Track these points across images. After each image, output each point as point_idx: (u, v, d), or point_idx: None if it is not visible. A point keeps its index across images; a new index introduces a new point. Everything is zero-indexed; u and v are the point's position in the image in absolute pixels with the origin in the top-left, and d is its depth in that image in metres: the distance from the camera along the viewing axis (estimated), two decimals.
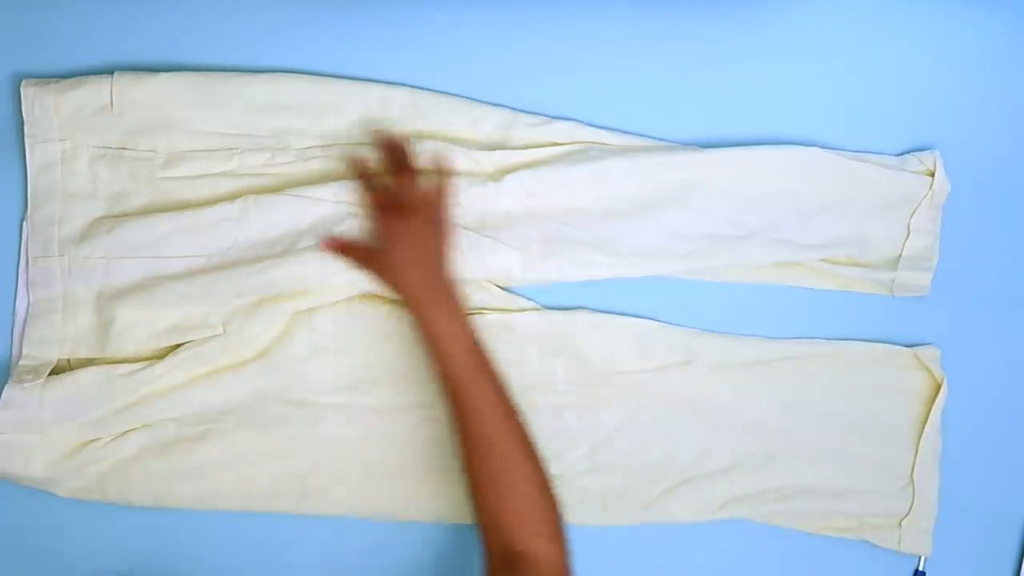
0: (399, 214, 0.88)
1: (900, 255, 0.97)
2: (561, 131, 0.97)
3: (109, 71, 0.96)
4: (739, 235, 0.96)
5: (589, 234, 0.95)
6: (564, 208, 0.96)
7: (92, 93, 0.96)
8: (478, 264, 0.94)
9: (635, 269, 0.96)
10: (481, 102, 0.98)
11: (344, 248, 0.90)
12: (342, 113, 0.97)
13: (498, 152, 0.96)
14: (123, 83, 0.96)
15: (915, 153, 0.99)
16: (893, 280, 0.97)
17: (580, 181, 0.95)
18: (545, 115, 0.98)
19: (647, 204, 0.96)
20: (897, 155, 0.99)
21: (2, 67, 0.98)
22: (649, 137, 0.99)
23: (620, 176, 0.96)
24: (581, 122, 0.98)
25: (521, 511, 0.79)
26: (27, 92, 0.96)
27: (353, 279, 0.92)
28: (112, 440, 0.92)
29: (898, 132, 1.00)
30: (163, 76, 0.96)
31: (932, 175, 0.97)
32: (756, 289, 0.99)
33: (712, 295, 0.98)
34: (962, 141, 1.00)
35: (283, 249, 0.94)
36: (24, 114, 0.95)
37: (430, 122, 0.97)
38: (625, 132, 0.98)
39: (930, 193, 0.97)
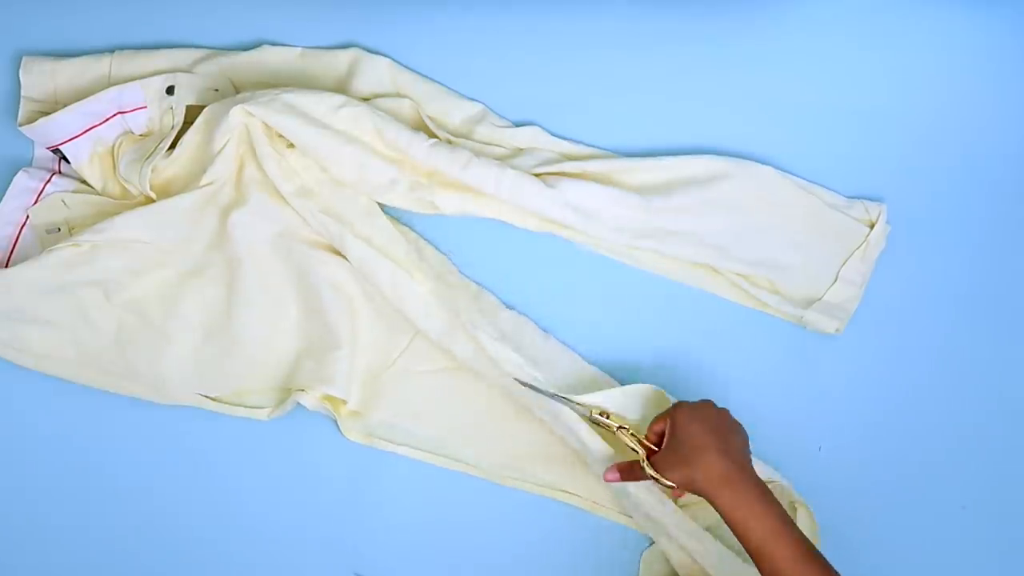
0: (683, 406, 0.85)
1: (820, 298, 0.98)
2: (523, 135, 1.02)
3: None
4: (673, 229, 0.99)
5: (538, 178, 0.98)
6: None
7: (91, 64, 1.00)
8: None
9: (566, 215, 0.96)
10: (457, 93, 1.03)
11: (627, 470, 0.87)
12: (328, 80, 1.02)
13: (462, 141, 1.00)
14: (122, 57, 1.00)
15: (864, 200, 1.01)
16: (802, 317, 0.98)
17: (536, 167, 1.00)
18: (514, 119, 1.04)
19: (595, 180, 0.99)
20: (847, 197, 1.02)
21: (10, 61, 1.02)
22: (606, 149, 1.03)
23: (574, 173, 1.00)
24: (544, 129, 1.03)
25: None
26: (27, 59, 1.00)
27: None
28: None
29: (858, 165, 1.03)
30: (162, 51, 1.01)
31: (872, 226, 0.99)
32: (677, 287, 1.01)
33: (636, 283, 1.01)
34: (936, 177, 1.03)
35: None
36: (22, 76, 0.98)
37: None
38: (585, 144, 1.03)
39: (865, 245, 0.99)
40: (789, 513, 0.93)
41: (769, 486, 0.93)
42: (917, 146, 1.03)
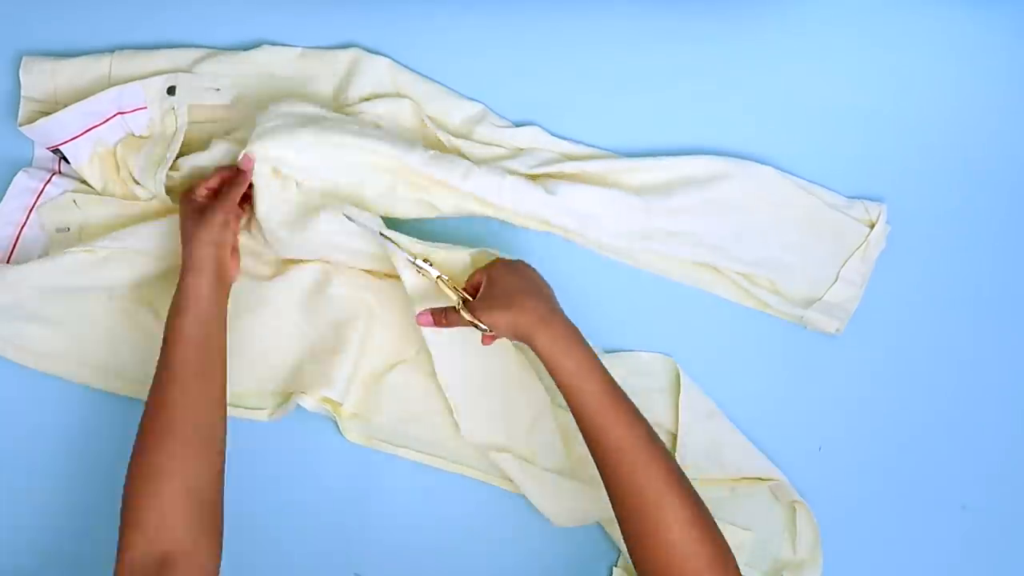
0: (501, 260, 0.89)
1: (821, 298, 0.99)
2: (523, 135, 1.02)
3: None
4: (673, 230, 0.99)
5: (539, 182, 0.98)
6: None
7: (91, 63, 1.00)
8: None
9: (567, 221, 0.97)
10: (457, 94, 1.03)
11: (440, 315, 0.88)
12: (327, 80, 1.02)
13: (461, 141, 1.01)
14: (122, 57, 1.00)
15: (864, 200, 1.01)
16: (802, 317, 0.99)
17: (536, 168, 1.00)
18: (514, 119, 1.04)
19: (595, 180, 0.99)
20: (847, 197, 1.02)
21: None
22: (606, 149, 1.03)
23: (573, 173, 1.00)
24: (544, 129, 1.03)
25: (677, 553, 0.74)
26: (27, 59, 1.00)
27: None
28: None
29: (858, 165, 1.03)
30: (162, 51, 1.01)
31: (872, 226, 0.99)
32: (677, 287, 1.01)
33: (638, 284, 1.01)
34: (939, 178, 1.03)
35: None
36: (22, 76, 0.98)
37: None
38: (585, 144, 1.03)
39: (865, 245, 0.99)
40: (788, 513, 0.94)
41: (769, 485, 0.94)
42: (917, 146, 1.04)
